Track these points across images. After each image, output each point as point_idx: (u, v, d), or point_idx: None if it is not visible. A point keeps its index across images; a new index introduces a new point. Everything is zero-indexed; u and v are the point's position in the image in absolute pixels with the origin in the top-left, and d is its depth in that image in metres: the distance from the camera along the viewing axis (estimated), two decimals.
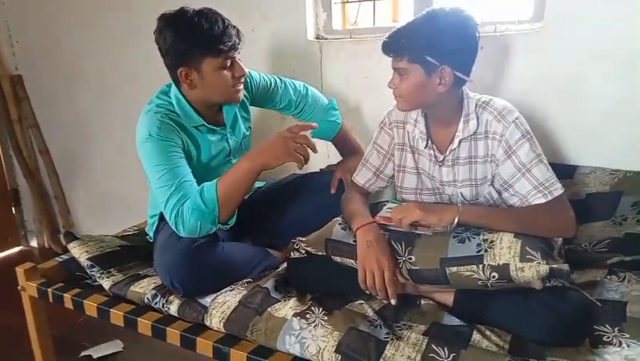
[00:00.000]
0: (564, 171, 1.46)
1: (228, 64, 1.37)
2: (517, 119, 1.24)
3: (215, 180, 1.35)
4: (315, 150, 1.33)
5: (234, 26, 1.37)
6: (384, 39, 1.25)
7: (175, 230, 1.34)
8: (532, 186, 1.21)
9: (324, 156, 1.94)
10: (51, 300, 1.47)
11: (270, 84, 1.63)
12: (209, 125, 1.48)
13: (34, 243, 2.97)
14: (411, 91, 1.25)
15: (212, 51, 1.33)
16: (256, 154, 1.34)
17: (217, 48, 1.33)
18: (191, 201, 1.32)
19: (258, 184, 1.77)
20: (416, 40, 1.20)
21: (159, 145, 1.36)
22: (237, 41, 1.36)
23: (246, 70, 1.43)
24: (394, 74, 1.28)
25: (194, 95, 1.42)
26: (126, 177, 2.47)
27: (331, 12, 1.86)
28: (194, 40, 1.32)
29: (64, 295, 1.44)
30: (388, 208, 1.35)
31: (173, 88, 1.44)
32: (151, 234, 1.58)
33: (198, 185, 1.46)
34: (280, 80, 1.66)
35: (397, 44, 1.23)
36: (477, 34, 1.22)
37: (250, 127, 1.64)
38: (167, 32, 1.34)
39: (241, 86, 1.44)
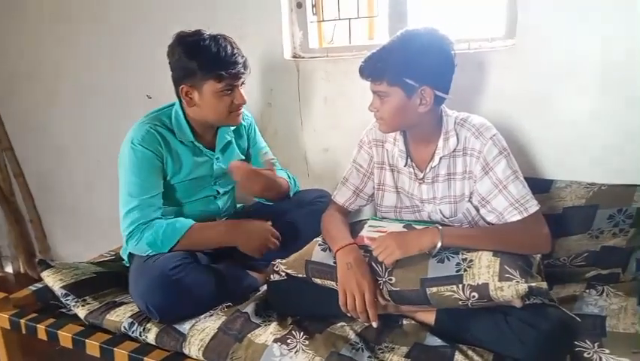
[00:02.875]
0: (540, 186, 1.48)
1: (229, 90, 1.39)
2: (494, 135, 1.26)
3: (189, 223, 1.41)
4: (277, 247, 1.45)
5: (243, 56, 1.40)
6: (360, 63, 1.25)
7: (124, 242, 1.41)
8: (509, 203, 1.22)
9: (304, 175, 1.94)
10: (24, 331, 1.43)
11: (260, 150, 1.69)
12: (198, 145, 1.49)
13: (9, 269, 2.89)
14: (392, 113, 1.25)
15: (214, 75, 1.36)
16: (238, 236, 1.43)
17: (219, 73, 1.35)
18: (153, 232, 1.37)
19: (237, 206, 1.76)
20: (394, 63, 1.20)
21: (138, 156, 1.40)
22: (242, 70, 1.39)
23: (246, 99, 1.45)
24: (374, 97, 1.28)
25: (193, 112, 1.45)
26: (102, 199, 2.43)
27: (307, 31, 1.87)
28: (198, 61, 1.35)
29: (38, 325, 1.39)
30: (370, 226, 1.35)
31: (177, 102, 1.48)
32: (125, 257, 1.55)
33: (172, 202, 1.48)
34: (268, 152, 1.70)
35: (375, 68, 1.22)
36: (453, 52, 1.24)
37: (243, 159, 1.64)
38: (177, 48, 1.37)
39: (240, 112, 1.47)
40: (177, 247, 1.38)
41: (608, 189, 1.44)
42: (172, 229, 1.38)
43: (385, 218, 1.44)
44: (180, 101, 1.46)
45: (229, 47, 1.37)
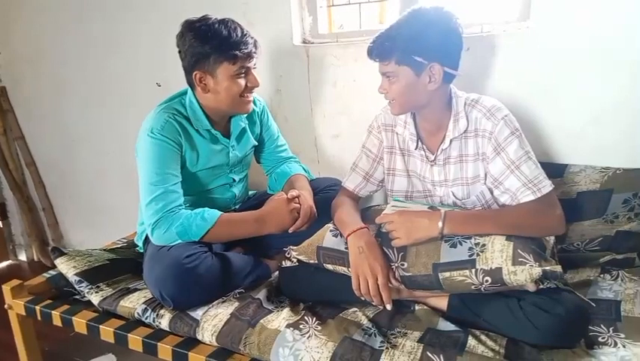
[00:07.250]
0: (554, 170, 1.46)
1: (243, 72, 1.39)
2: (506, 116, 1.24)
3: (218, 214, 1.39)
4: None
5: (252, 37, 1.40)
6: (368, 44, 1.25)
7: (148, 233, 1.37)
8: (522, 183, 1.20)
9: (314, 161, 1.93)
10: (39, 317, 1.44)
11: (272, 135, 1.70)
12: (215, 132, 1.49)
13: (22, 256, 2.93)
14: (402, 93, 1.25)
15: (228, 57, 1.35)
16: (266, 223, 1.41)
17: (233, 54, 1.35)
18: (182, 221, 1.35)
19: (250, 193, 1.77)
20: (402, 42, 1.19)
21: (158, 145, 1.38)
22: (254, 50, 1.39)
23: (260, 82, 1.44)
24: (383, 78, 1.27)
25: (207, 99, 1.44)
26: (114, 187, 2.45)
27: (317, 16, 1.85)
28: (211, 45, 1.34)
29: (53, 312, 1.41)
30: (393, 207, 1.33)
31: (189, 91, 1.47)
32: (140, 243, 1.56)
33: (189, 191, 1.47)
34: (279, 137, 1.73)
35: (382, 48, 1.22)
36: (460, 28, 1.22)
37: (254, 146, 1.65)
38: (188, 35, 1.37)
39: (251, 97, 1.47)
40: (206, 237, 1.36)
41: (622, 174, 1.42)
42: (202, 219, 1.36)
43: (409, 200, 1.42)
44: (193, 90, 1.45)
45: (238, 29, 1.37)
